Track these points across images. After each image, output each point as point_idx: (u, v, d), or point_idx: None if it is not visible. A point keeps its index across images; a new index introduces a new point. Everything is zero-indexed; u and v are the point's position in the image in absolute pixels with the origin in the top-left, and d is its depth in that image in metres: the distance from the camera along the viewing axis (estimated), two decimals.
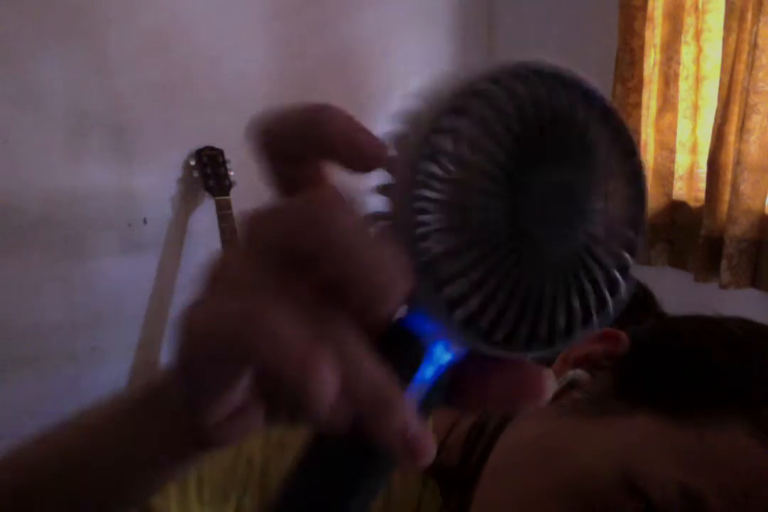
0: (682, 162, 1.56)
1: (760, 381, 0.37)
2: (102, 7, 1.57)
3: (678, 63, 1.52)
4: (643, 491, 0.34)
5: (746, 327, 0.41)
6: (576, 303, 0.21)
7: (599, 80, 0.19)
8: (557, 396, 0.40)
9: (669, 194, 1.56)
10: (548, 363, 0.42)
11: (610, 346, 0.41)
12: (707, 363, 0.38)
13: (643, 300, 0.50)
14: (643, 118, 1.55)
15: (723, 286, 1.40)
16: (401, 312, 0.20)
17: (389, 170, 0.20)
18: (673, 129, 1.55)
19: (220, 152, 1.70)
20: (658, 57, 1.56)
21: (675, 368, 0.39)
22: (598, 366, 0.41)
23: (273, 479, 0.44)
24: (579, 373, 0.41)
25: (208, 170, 1.68)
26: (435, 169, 0.19)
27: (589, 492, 0.35)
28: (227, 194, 1.67)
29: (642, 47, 1.55)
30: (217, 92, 1.74)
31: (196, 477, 0.43)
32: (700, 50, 1.53)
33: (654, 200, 1.55)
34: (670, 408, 0.36)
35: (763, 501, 0.33)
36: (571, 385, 0.40)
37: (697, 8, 1.51)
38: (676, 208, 1.56)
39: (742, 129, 1.35)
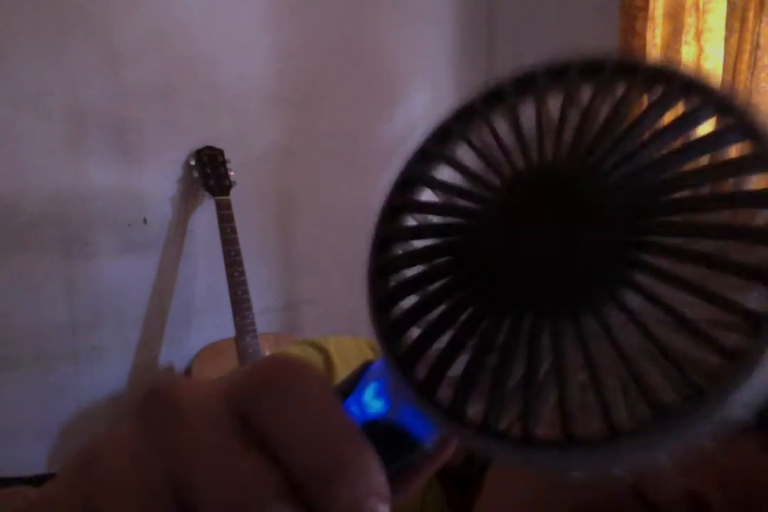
0: None
1: None
2: (103, 6, 1.57)
3: (679, 63, 1.52)
4: (650, 498, 0.33)
5: None
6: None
7: None
8: None
9: None
10: None
11: None
12: None
13: None
14: None
15: None
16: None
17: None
18: None
19: (220, 152, 1.70)
20: (658, 57, 1.56)
21: None
22: None
23: None
24: None
25: (208, 170, 1.68)
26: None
27: (597, 498, 0.34)
28: (227, 194, 1.66)
29: (643, 47, 1.55)
30: (217, 92, 1.74)
31: None
32: (700, 50, 1.52)
33: None
34: None
35: None
36: None
37: (697, 8, 1.51)
38: None
39: None
